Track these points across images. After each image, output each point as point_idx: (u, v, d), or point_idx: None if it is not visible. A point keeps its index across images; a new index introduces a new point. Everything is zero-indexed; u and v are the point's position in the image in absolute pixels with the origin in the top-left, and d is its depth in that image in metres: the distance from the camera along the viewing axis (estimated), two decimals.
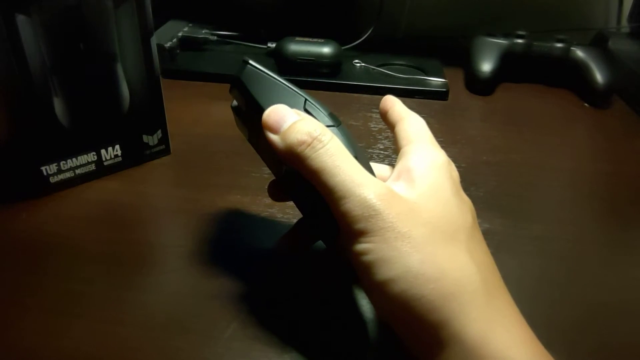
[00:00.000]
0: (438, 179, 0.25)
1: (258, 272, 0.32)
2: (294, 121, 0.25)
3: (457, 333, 0.21)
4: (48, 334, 0.27)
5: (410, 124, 0.28)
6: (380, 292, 0.22)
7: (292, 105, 0.26)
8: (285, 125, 0.25)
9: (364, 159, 0.27)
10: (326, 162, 0.23)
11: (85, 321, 0.28)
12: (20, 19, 0.31)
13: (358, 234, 0.23)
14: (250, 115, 0.28)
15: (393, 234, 0.22)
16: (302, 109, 0.27)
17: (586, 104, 0.57)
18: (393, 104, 0.30)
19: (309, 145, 0.24)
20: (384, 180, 0.26)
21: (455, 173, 0.27)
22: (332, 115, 0.27)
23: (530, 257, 0.34)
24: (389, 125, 0.30)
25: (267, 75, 0.28)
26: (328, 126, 0.26)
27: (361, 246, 0.22)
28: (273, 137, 0.25)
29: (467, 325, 0.21)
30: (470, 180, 0.42)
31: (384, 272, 0.22)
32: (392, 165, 0.28)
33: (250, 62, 0.28)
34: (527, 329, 0.23)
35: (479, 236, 0.25)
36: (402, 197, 0.24)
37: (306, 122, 0.25)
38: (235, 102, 0.30)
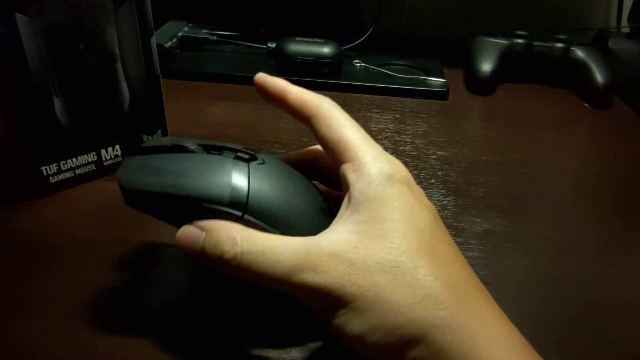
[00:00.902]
0: (382, 203, 0.23)
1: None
2: (200, 249, 0.23)
3: None
4: (47, 334, 0.27)
5: (331, 125, 0.25)
6: (354, 345, 0.22)
7: (188, 216, 0.24)
8: (197, 253, 0.23)
9: (293, 204, 0.24)
10: (249, 270, 0.22)
11: (84, 321, 0.28)
12: (20, 19, 0.31)
13: (316, 310, 0.23)
14: None
15: (345, 299, 0.21)
16: (203, 212, 0.23)
17: (586, 104, 0.57)
18: (286, 90, 0.26)
19: (226, 264, 0.22)
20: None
21: (407, 178, 0.24)
22: (237, 179, 0.23)
23: (530, 257, 0.34)
24: (295, 117, 0.26)
25: (154, 194, 0.24)
26: (235, 218, 0.23)
27: (324, 315, 0.23)
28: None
29: (451, 352, 0.21)
30: (470, 180, 0.42)
31: (351, 331, 0.22)
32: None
33: (127, 187, 0.24)
34: (517, 333, 0.22)
35: (441, 247, 0.23)
36: (337, 254, 0.22)
37: (214, 245, 0.23)
38: None
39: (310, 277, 0.22)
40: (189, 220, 0.24)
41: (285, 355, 0.26)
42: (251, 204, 0.23)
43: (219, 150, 0.25)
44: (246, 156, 0.25)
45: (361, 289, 0.21)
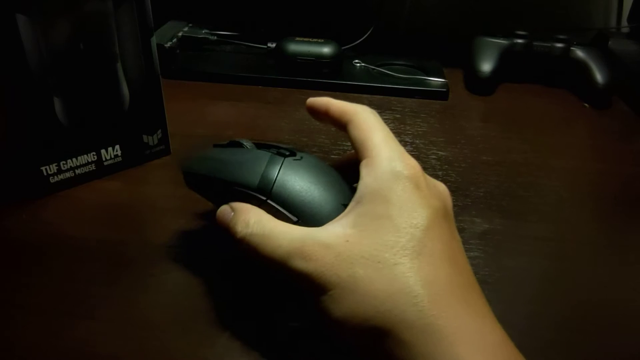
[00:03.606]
0: (383, 199, 0.24)
1: (259, 271, 0.32)
2: (228, 227, 0.27)
3: (408, 358, 0.21)
4: (48, 333, 0.27)
5: (362, 128, 0.27)
6: (335, 331, 0.24)
7: (227, 197, 0.28)
8: (228, 229, 0.27)
9: (317, 197, 0.27)
10: (255, 250, 0.25)
11: (85, 321, 0.28)
12: (20, 19, 0.31)
13: (306, 292, 0.24)
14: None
15: (326, 286, 0.23)
16: (237, 195, 0.28)
17: (586, 104, 0.57)
18: (329, 103, 0.29)
19: (242, 243, 0.26)
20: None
21: (415, 176, 0.25)
22: (269, 170, 0.27)
23: (530, 257, 0.34)
24: (337, 126, 0.29)
25: (201, 176, 0.29)
26: (260, 201, 0.27)
27: (310, 299, 0.24)
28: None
29: (414, 349, 0.21)
30: (470, 180, 0.42)
31: (330, 316, 0.23)
32: None
33: (184, 170, 0.30)
34: (497, 333, 0.22)
35: (432, 245, 0.23)
36: (328, 245, 0.23)
37: (235, 224, 0.26)
38: None
39: (300, 264, 0.24)
40: (229, 201, 0.28)
41: None
42: (275, 191, 0.27)
43: (268, 148, 0.29)
44: (286, 153, 0.28)
45: (340, 279, 0.23)
